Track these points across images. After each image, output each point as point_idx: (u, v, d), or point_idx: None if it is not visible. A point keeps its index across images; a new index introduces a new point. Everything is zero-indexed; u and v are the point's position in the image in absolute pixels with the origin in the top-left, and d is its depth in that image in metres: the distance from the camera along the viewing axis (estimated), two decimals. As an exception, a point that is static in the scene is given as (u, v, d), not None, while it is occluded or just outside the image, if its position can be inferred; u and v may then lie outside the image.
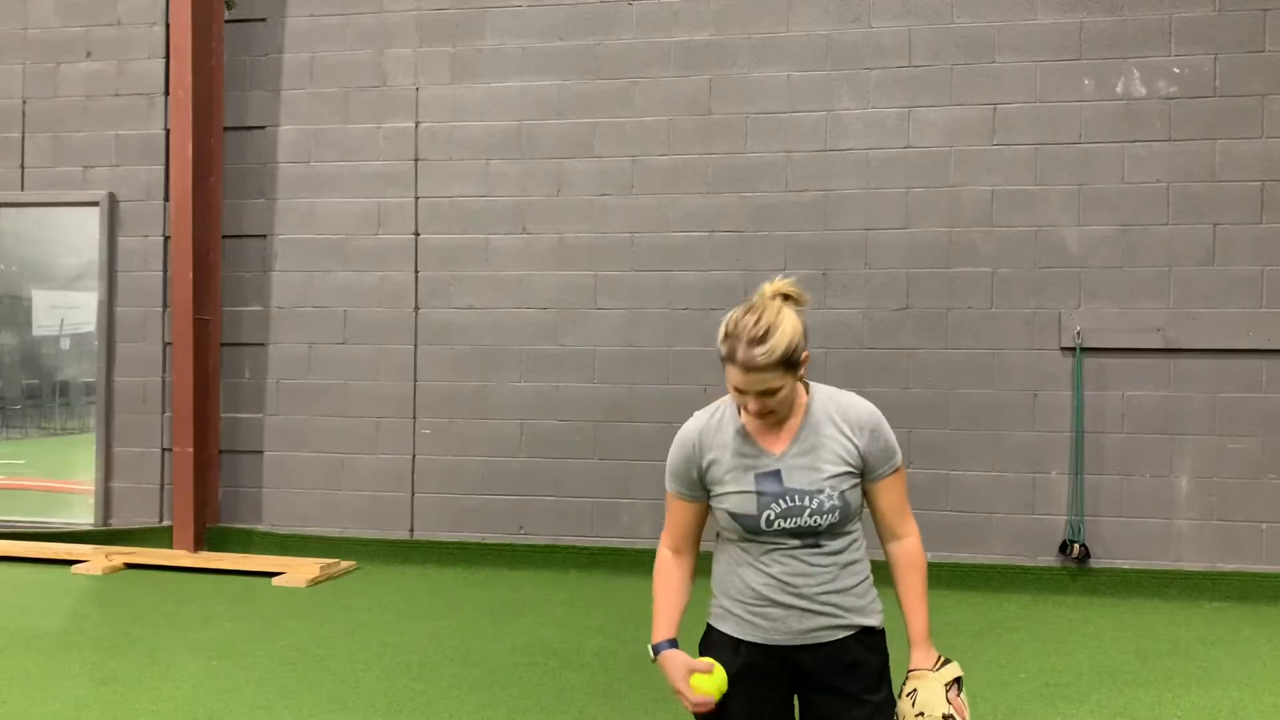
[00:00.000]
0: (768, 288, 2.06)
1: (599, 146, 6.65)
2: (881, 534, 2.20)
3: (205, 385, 6.86)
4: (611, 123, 6.64)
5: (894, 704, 2.18)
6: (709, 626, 2.22)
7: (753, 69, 6.48)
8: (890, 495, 2.15)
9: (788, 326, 1.98)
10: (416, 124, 6.87)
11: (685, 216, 6.54)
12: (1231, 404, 5.98)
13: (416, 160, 6.87)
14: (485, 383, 6.75)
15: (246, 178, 7.07)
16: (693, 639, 2.26)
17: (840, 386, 2.22)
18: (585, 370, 6.61)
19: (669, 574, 2.24)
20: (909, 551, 2.20)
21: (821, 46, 6.41)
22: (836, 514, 2.05)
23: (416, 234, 6.86)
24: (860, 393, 2.23)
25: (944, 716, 2.06)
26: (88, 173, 7.19)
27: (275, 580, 6.18)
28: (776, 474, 2.07)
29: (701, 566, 2.22)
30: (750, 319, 1.99)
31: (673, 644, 2.14)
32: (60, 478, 7.60)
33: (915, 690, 2.11)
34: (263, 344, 7.05)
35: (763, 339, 1.96)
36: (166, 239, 7.04)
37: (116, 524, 7.12)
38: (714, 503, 2.15)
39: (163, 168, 7.05)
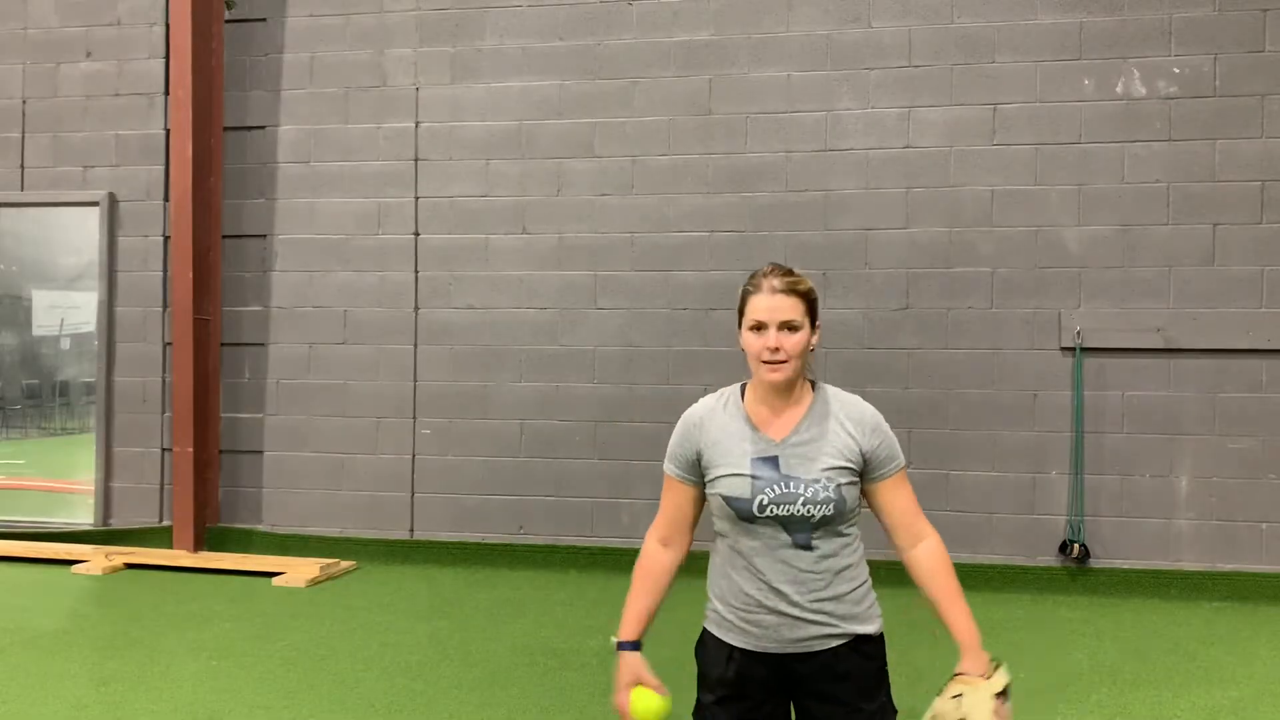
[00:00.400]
0: None
1: (599, 146, 6.65)
2: (900, 541, 2.15)
3: (205, 385, 6.86)
4: (611, 123, 6.64)
5: (893, 710, 2.17)
6: (704, 630, 2.21)
7: (753, 69, 6.48)
8: (899, 497, 2.15)
9: (811, 284, 2.13)
10: (416, 124, 6.87)
11: (685, 216, 6.54)
12: (1231, 404, 5.98)
13: (416, 160, 6.87)
14: (485, 383, 6.74)
15: (246, 178, 7.07)
16: (691, 639, 2.26)
17: (840, 386, 2.23)
18: (585, 370, 6.61)
19: (650, 568, 2.23)
20: (934, 552, 2.16)
21: (821, 46, 6.41)
22: (830, 507, 2.03)
23: (416, 234, 6.86)
24: (860, 393, 2.24)
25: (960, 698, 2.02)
26: (88, 173, 7.19)
27: (275, 580, 6.18)
28: (774, 460, 2.06)
29: (699, 567, 2.22)
30: (785, 266, 2.14)
31: (635, 646, 2.17)
32: (60, 478, 7.60)
33: (961, 694, 2.05)
34: (263, 344, 7.04)
35: (789, 272, 2.10)
36: (166, 239, 7.04)
37: (116, 524, 7.12)
38: (709, 487, 2.14)
39: (163, 168, 7.05)
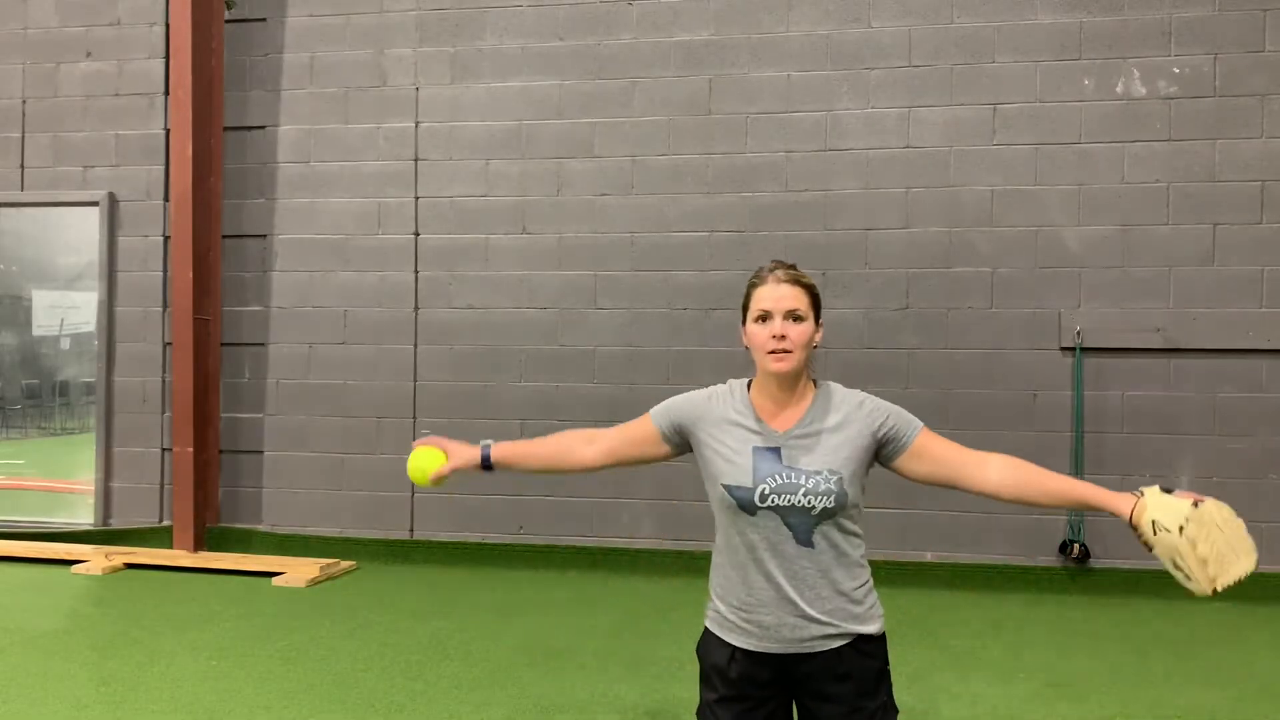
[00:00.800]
0: None
1: (599, 146, 6.65)
2: (973, 479, 2.12)
3: (205, 385, 6.86)
4: (611, 123, 6.64)
5: (894, 710, 2.16)
6: (705, 629, 2.21)
7: (753, 69, 6.48)
8: (937, 447, 2.15)
9: (814, 281, 2.18)
10: (416, 124, 6.87)
11: (685, 216, 6.54)
12: (1231, 404, 5.98)
13: (416, 160, 6.87)
14: (485, 383, 6.74)
15: (246, 178, 7.07)
16: (692, 638, 2.26)
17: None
18: (585, 370, 6.61)
19: (564, 440, 2.30)
20: (1008, 464, 2.13)
21: (821, 46, 6.41)
22: (831, 499, 2.03)
23: (416, 234, 6.86)
24: (860, 393, 2.24)
25: (1185, 520, 1.95)
26: (88, 173, 7.19)
27: (275, 580, 6.18)
28: (776, 451, 2.08)
29: (700, 567, 2.22)
30: (787, 262, 2.19)
31: (487, 454, 2.27)
32: (60, 478, 7.61)
33: (1154, 522, 1.96)
34: (263, 344, 7.04)
35: (792, 266, 2.16)
36: (166, 239, 7.03)
37: (116, 524, 7.12)
38: (709, 481, 2.15)
39: (163, 168, 7.05)
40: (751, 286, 2.16)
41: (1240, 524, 1.99)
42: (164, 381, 7.06)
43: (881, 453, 2.14)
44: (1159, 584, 5.97)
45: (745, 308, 2.16)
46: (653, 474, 6.50)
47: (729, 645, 2.12)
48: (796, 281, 2.11)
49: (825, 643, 2.07)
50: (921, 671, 4.50)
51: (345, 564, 6.60)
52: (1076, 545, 6.03)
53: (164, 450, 7.07)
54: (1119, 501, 2.02)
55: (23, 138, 7.27)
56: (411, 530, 6.83)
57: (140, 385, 7.11)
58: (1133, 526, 2.00)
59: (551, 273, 6.69)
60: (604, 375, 6.59)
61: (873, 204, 6.33)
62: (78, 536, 7.06)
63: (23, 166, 7.28)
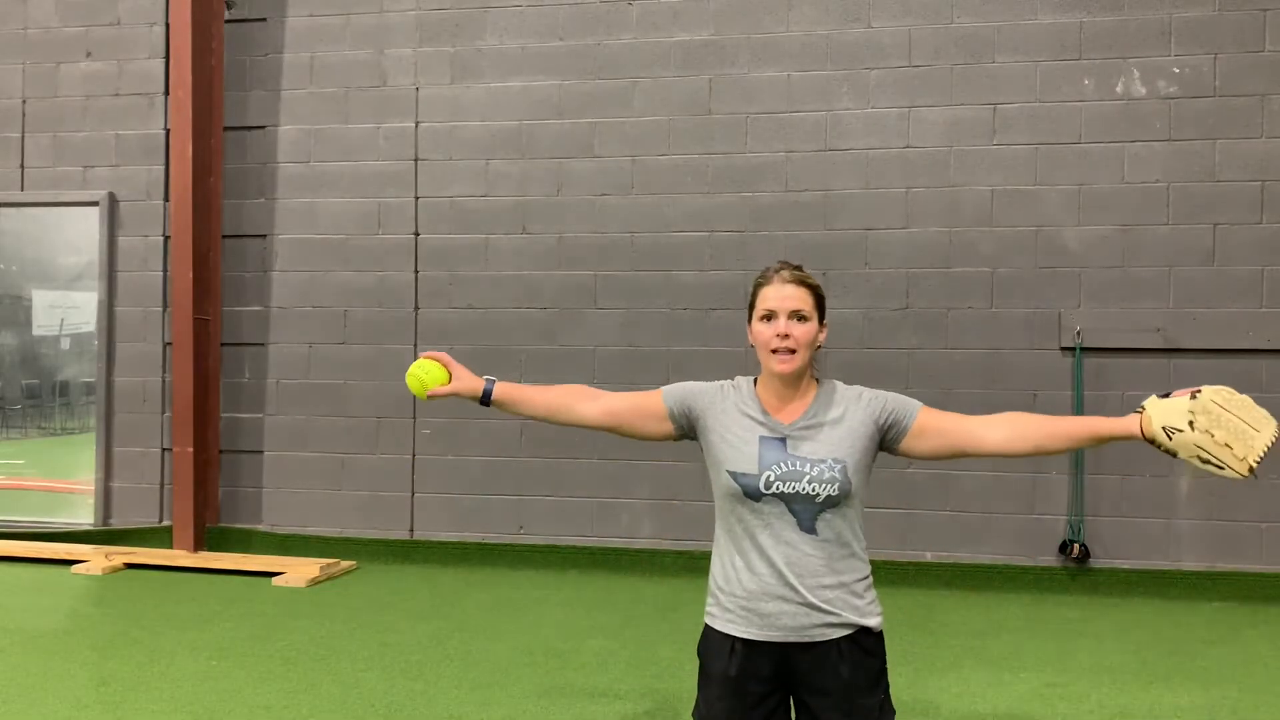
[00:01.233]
0: None
1: (599, 146, 6.65)
2: (984, 439, 2.14)
3: (205, 385, 6.85)
4: (611, 123, 6.64)
5: (892, 710, 2.17)
6: (705, 627, 2.22)
7: (753, 69, 6.48)
8: (941, 418, 2.17)
9: (819, 282, 2.21)
10: (416, 124, 6.87)
11: (685, 216, 6.54)
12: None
13: (416, 160, 6.87)
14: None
15: (246, 178, 7.07)
16: (691, 639, 2.26)
17: (840, 387, 2.27)
18: (585, 370, 6.60)
19: (571, 390, 2.34)
20: (1013, 420, 2.15)
21: (821, 46, 6.41)
22: (835, 487, 2.07)
23: (416, 234, 6.86)
24: (860, 393, 2.27)
25: (1192, 414, 1.97)
26: (88, 173, 7.19)
27: (275, 580, 6.18)
28: (782, 441, 2.12)
29: (701, 567, 2.23)
30: (788, 264, 2.22)
31: (490, 385, 2.30)
32: (60, 478, 7.61)
33: (1165, 428, 1.97)
34: (263, 344, 7.04)
35: (797, 267, 2.18)
36: (166, 239, 7.03)
37: (116, 524, 7.12)
38: (714, 468, 2.18)
39: (163, 168, 7.05)
40: (757, 286, 2.20)
41: (1245, 399, 2.02)
42: (164, 381, 7.06)
43: (886, 438, 2.18)
44: (1159, 584, 5.98)
45: (751, 307, 2.20)
46: (653, 474, 6.51)
47: (729, 638, 2.14)
48: (801, 282, 2.15)
49: (825, 632, 2.09)
50: (921, 671, 4.50)
51: (345, 564, 6.60)
52: (1076, 545, 6.03)
53: (164, 450, 7.07)
54: (1126, 424, 2.05)
55: (23, 138, 7.27)
56: (411, 530, 6.83)
57: (140, 385, 7.11)
58: (1149, 440, 2.02)
59: (551, 273, 6.69)
60: (604, 375, 6.59)
61: (873, 204, 6.33)
62: (78, 536, 7.06)
63: (23, 166, 7.28)
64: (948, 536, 6.23)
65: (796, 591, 2.08)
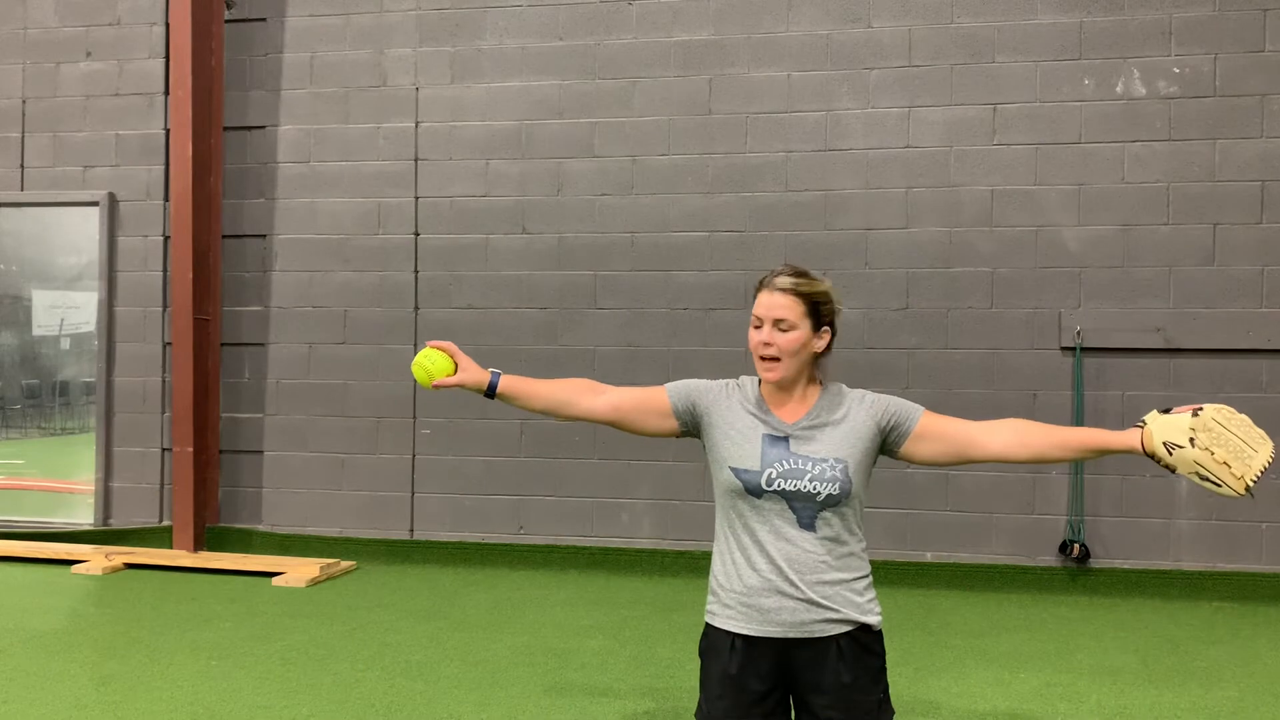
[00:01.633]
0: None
1: (599, 146, 6.65)
2: (982, 447, 2.16)
3: (205, 385, 6.85)
4: (611, 123, 6.64)
5: (891, 710, 2.18)
6: (706, 625, 2.23)
7: (753, 69, 6.48)
8: (943, 423, 2.19)
9: (824, 287, 2.19)
10: (416, 124, 6.87)
11: (685, 216, 6.54)
12: (1231, 404, 5.91)
13: (416, 160, 6.87)
14: (485, 383, 6.73)
15: (246, 178, 7.07)
16: (691, 639, 2.26)
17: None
18: (585, 370, 6.60)
19: (575, 384, 2.34)
20: (1016, 427, 2.18)
21: (821, 46, 6.41)
22: (836, 486, 2.09)
23: (416, 234, 6.86)
24: (860, 393, 2.28)
25: (1192, 431, 2.01)
26: (88, 173, 7.19)
27: (275, 580, 6.18)
28: (785, 439, 2.14)
29: (701, 567, 2.23)
30: (799, 267, 2.23)
31: (495, 381, 2.30)
32: (60, 478, 7.60)
33: (1166, 443, 2.01)
34: (263, 344, 7.04)
35: (799, 274, 2.17)
36: (166, 239, 7.03)
37: (116, 524, 7.12)
38: (716, 465, 2.19)
39: (163, 168, 7.05)
40: (756, 290, 2.22)
41: (1245, 418, 2.05)
42: (164, 381, 7.06)
43: (887, 441, 2.19)
44: (1159, 584, 5.98)
45: (755, 293, 2.24)
46: (653, 474, 6.51)
47: (729, 635, 2.15)
48: (792, 291, 2.15)
49: (825, 628, 2.10)
50: (921, 671, 4.50)
51: (345, 564, 6.60)
52: (1076, 545, 6.03)
53: (164, 450, 7.07)
54: (1127, 438, 2.08)
55: (23, 138, 7.27)
56: (411, 530, 6.83)
57: (140, 385, 7.11)
58: (1149, 455, 2.05)
59: (551, 273, 6.69)
60: (604, 375, 6.57)
61: (873, 204, 6.34)
62: (78, 536, 7.06)
63: (23, 166, 7.28)
64: (948, 536, 6.23)
65: (796, 586, 2.09)
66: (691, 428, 2.26)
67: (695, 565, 6.26)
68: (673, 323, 6.53)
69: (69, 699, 4.04)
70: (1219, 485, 2.01)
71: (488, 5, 6.78)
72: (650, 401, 2.28)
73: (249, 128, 7.08)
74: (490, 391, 2.32)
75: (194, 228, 6.68)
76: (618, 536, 6.58)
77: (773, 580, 2.10)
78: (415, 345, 6.82)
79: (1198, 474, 2.02)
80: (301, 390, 6.98)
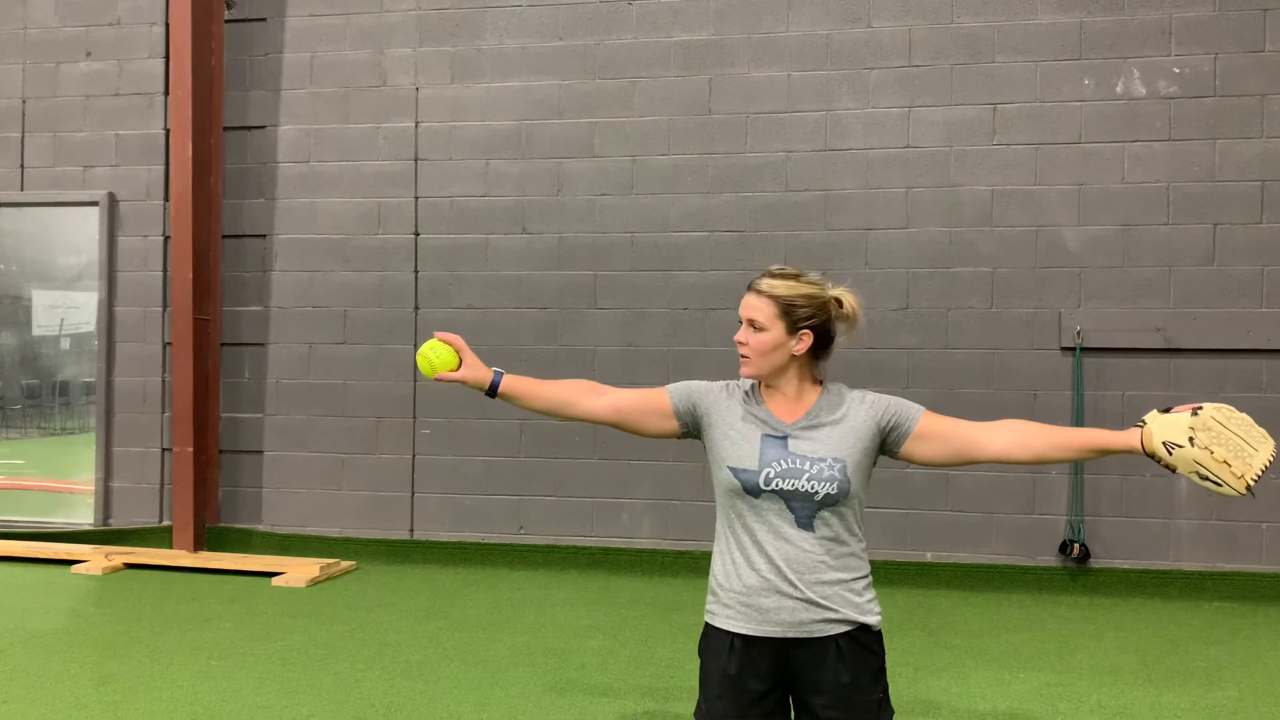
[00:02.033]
0: (836, 285, 2.25)
1: (599, 146, 6.65)
2: (982, 448, 2.16)
3: (205, 385, 6.85)
4: (611, 123, 6.64)
5: (890, 710, 2.18)
6: (706, 625, 2.23)
7: (753, 69, 6.48)
8: (943, 423, 2.20)
9: (807, 289, 2.18)
10: (416, 124, 6.87)
11: (685, 216, 6.54)
12: (1231, 404, 5.93)
13: (416, 160, 6.87)
14: (485, 383, 6.73)
15: (246, 178, 7.07)
16: (691, 639, 2.26)
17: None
18: (585, 370, 6.60)
19: (575, 384, 2.35)
20: (1010, 424, 2.20)
21: (821, 46, 6.41)
22: (834, 486, 2.09)
23: (416, 234, 6.86)
24: (860, 393, 2.29)
25: (1192, 430, 2.01)
26: (88, 173, 7.19)
27: (275, 580, 6.18)
28: (783, 439, 2.14)
29: (701, 567, 2.24)
30: (790, 268, 2.22)
31: (498, 378, 2.31)
32: (60, 478, 7.60)
33: (1165, 443, 2.01)
34: (263, 344, 7.04)
35: (777, 275, 2.18)
36: (166, 239, 7.03)
37: (116, 524, 7.12)
38: (715, 464, 2.19)
39: (163, 168, 7.05)
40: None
41: (1245, 417, 2.04)
42: (164, 381, 7.06)
43: (887, 441, 2.19)
44: (1159, 584, 5.98)
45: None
46: (653, 474, 6.51)
47: (729, 635, 2.15)
48: (765, 293, 2.18)
49: (824, 628, 2.10)
50: (921, 671, 4.50)
51: (345, 564, 6.60)
52: (1076, 545, 6.03)
53: (164, 450, 7.07)
54: (1127, 438, 2.09)
55: (23, 138, 7.27)
56: (411, 530, 6.83)
57: (140, 385, 7.11)
58: (1149, 455, 2.06)
59: (551, 273, 6.69)
60: (604, 375, 6.58)
61: (873, 204, 6.34)
62: (78, 536, 7.06)
63: (23, 166, 7.28)
64: (948, 536, 6.23)
65: (795, 586, 2.09)
66: (692, 429, 2.26)
67: (695, 565, 6.26)
68: (673, 323, 6.53)
69: (69, 699, 4.04)
70: (1219, 484, 2.01)
71: (488, 5, 6.78)
72: (651, 402, 2.28)
73: (249, 128, 7.08)
74: (492, 391, 2.32)
75: (194, 228, 6.68)
76: (618, 536, 6.58)
77: (772, 580, 2.10)
78: (415, 345, 6.81)
79: (1198, 473, 2.01)
80: (301, 390, 6.98)
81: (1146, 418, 2.08)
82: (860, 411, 2.18)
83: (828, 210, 6.38)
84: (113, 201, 7.14)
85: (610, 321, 6.61)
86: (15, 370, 7.72)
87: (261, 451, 7.03)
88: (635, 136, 6.61)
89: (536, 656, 4.71)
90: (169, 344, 6.97)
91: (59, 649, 4.74)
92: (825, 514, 2.10)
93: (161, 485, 7.08)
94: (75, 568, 6.42)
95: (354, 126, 6.94)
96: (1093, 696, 4.21)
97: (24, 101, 7.27)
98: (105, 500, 7.13)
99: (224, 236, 7.06)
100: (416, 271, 6.85)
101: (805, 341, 2.18)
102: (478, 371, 2.33)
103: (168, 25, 6.99)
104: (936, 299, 6.27)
